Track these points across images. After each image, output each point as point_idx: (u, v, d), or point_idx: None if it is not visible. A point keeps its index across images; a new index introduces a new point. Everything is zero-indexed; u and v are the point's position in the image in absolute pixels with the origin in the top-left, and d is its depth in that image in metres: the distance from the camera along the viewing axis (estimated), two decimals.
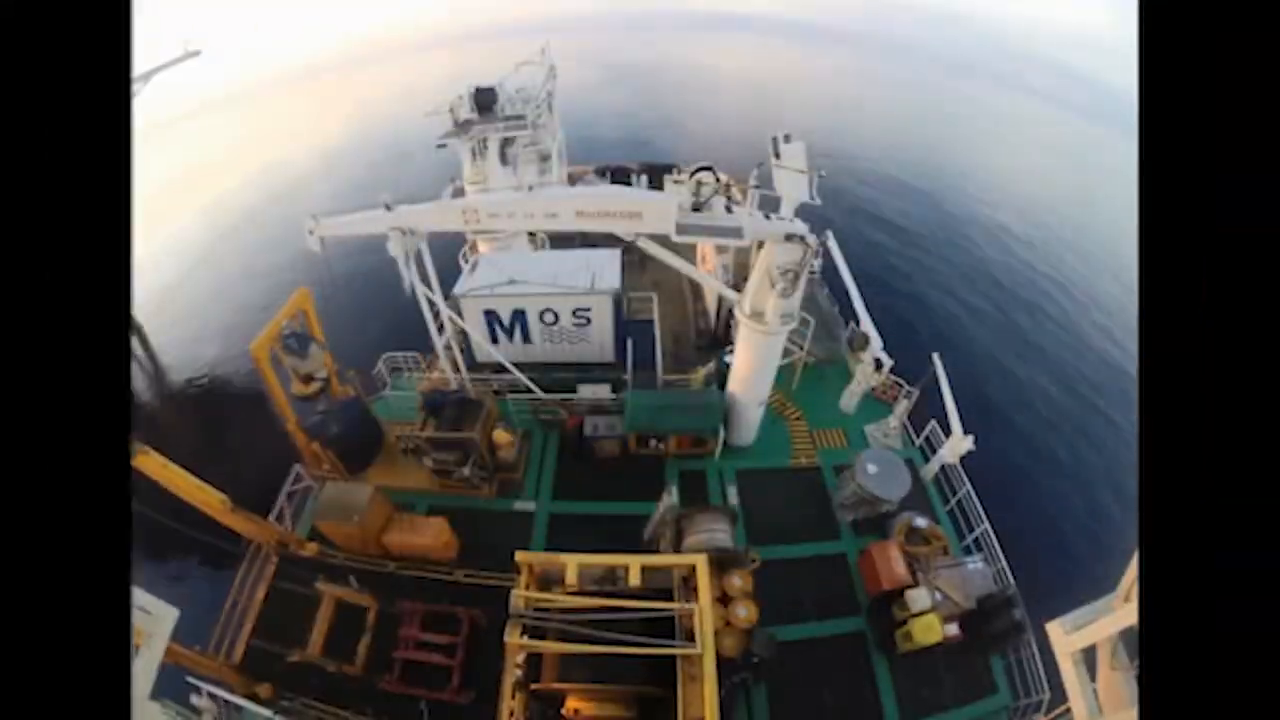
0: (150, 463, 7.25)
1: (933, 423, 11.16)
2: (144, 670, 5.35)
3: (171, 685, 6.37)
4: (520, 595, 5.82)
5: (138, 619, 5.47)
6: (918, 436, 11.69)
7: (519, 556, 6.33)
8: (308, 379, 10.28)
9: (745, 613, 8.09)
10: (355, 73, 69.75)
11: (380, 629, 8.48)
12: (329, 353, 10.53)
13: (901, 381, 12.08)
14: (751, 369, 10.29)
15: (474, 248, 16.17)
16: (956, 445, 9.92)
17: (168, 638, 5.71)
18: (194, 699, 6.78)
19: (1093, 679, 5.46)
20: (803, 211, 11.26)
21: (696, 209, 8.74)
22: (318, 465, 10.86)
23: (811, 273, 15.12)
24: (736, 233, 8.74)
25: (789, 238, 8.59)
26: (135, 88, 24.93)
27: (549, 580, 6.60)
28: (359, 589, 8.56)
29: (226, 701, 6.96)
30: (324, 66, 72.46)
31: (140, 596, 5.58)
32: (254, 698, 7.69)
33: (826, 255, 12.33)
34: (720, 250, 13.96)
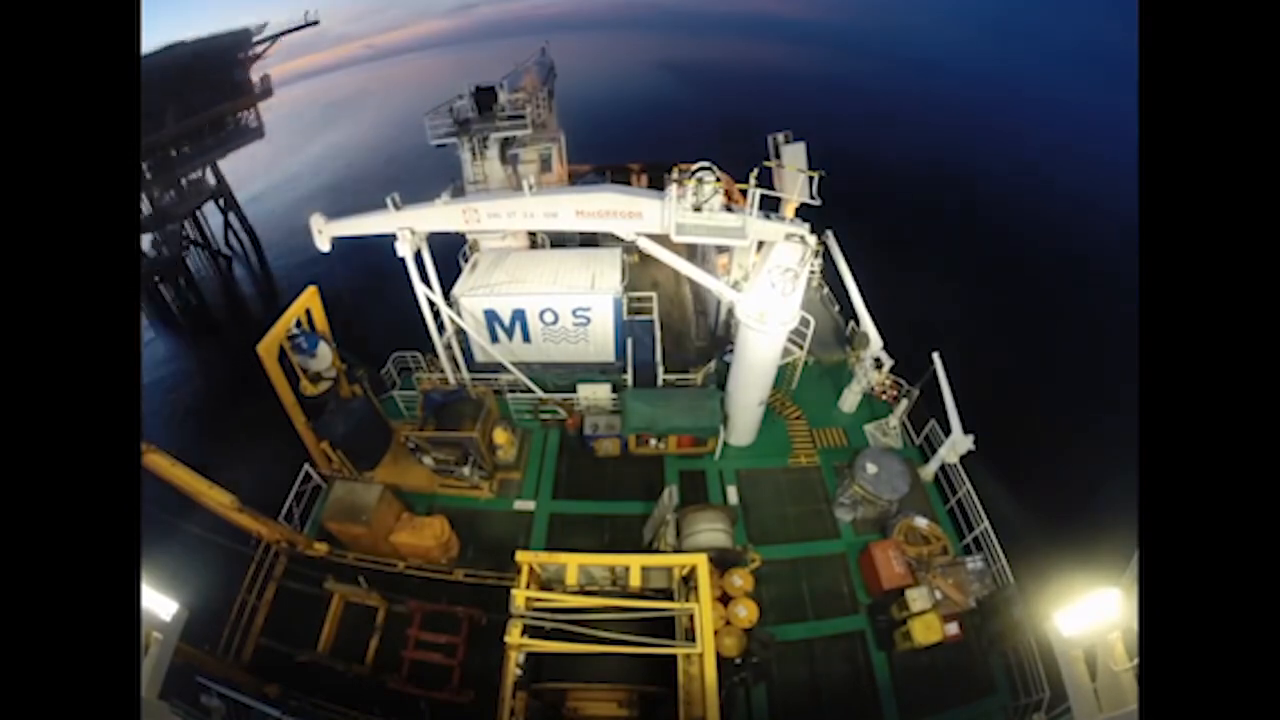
0: (159, 462, 7.35)
1: (932, 422, 11.14)
2: (153, 670, 5.43)
3: (181, 685, 6.46)
4: (520, 595, 5.88)
5: (147, 619, 5.56)
6: (918, 436, 11.68)
7: (519, 556, 6.39)
8: (316, 378, 10.37)
9: (745, 613, 8.13)
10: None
11: (389, 629, 8.58)
12: (337, 351, 10.62)
13: (902, 381, 12.06)
14: (751, 369, 10.31)
15: (474, 247, 16.22)
16: (956, 445, 9.91)
17: (177, 637, 5.80)
18: (203, 698, 6.87)
19: (1093, 677, 5.46)
20: (802, 209, 11.25)
21: (696, 209, 8.77)
22: (326, 464, 10.96)
23: (811, 272, 15.12)
24: (737, 232, 8.77)
25: (789, 237, 8.60)
26: (261, 47, 28.50)
27: (549, 580, 6.67)
28: (368, 589, 8.65)
29: (235, 701, 7.05)
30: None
31: (149, 596, 5.66)
32: (263, 697, 7.78)
33: (826, 254, 12.29)
34: (720, 250, 13.97)
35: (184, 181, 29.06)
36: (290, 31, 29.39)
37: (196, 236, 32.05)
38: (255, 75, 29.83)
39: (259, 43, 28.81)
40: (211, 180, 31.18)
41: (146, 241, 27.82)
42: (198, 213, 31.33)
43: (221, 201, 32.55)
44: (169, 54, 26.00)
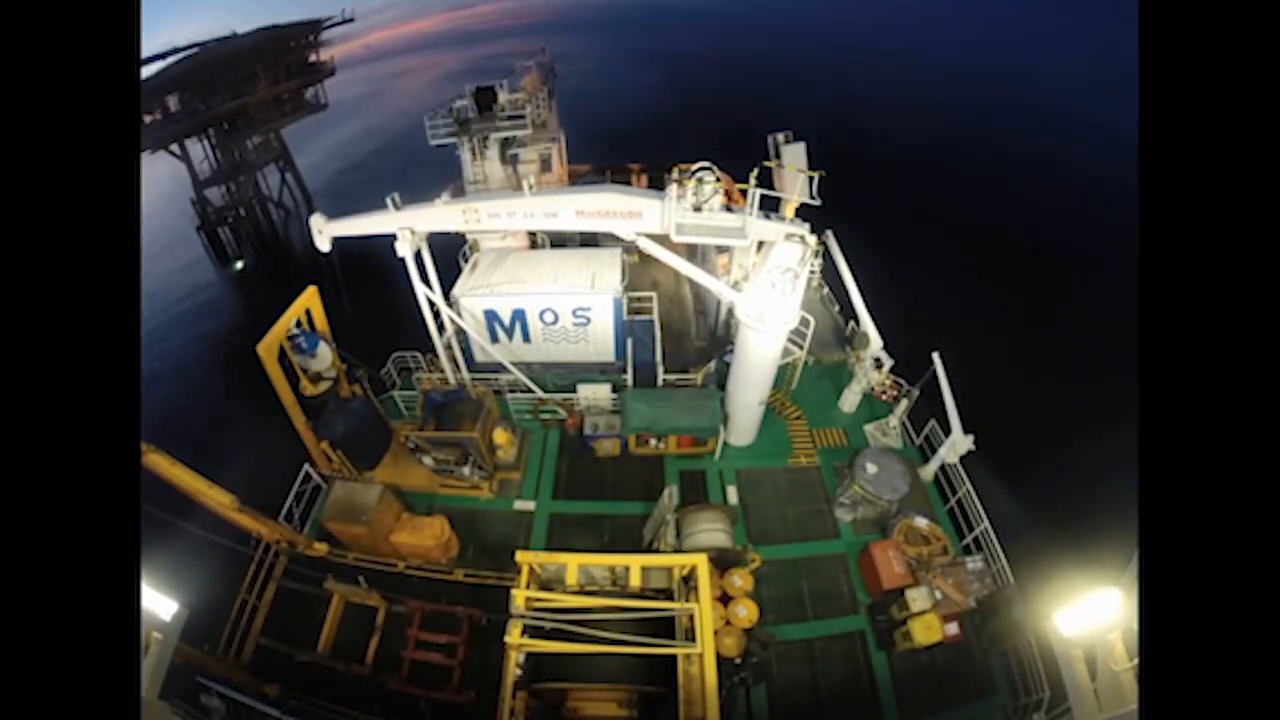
0: (159, 462, 7.35)
1: (932, 422, 11.14)
2: (153, 670, 5.43)
3: (181, 685, 6.45)
4: (520, 595, 5.88)
5: (147, 619, 5.56)
6: (918, 436, 11.68)
7: (519, 556, 6.39)
8: (316, 378, 10.37)
9: (745, 613, 8.13)
10: None
11: (389, 629, 8.58)
12: (337, 351, 10.62)
13: (901, 381, 12.06)
14: (751, 369, 10.31)
15: (474, 247, 16.22)
16: (956, 445, 9.91)
17: (177, 637, 5.80)
18: (203, 698, 6.87)
19: (1093, 677, 5.46)
20: (802, 209, 11.24)
21: (696, 209, 8.78)
22: (326, 464, 10.96)
23: (811, 272, 15.12)
24: (737, 232, 8.77)
25: (789, 237, 8.60)
26: (326, 34, 33.76)
27: (549, 580, 6.67)
28: (367, 589, 8.65)
29: (235, 701, 7.05)
30: None
31: (149, 596, 5.66)
32: (263, 697, 7.77)
33: (826, 254, 12.30)
34: (720, 250, 13.97)
35: (253, 141, 33.46)
36: (333, 25, 33.39)
37: (259, 192, 36.06)
38: (319, 58, 34.46)
39: (326, 29, 34.15)
40: (275, 144, 35.85)
41: (217, 192, 32.98)
42: (260, 172, 35.61)
43: (281, 163, 37.10)
44: (267, 33, 32.24)
